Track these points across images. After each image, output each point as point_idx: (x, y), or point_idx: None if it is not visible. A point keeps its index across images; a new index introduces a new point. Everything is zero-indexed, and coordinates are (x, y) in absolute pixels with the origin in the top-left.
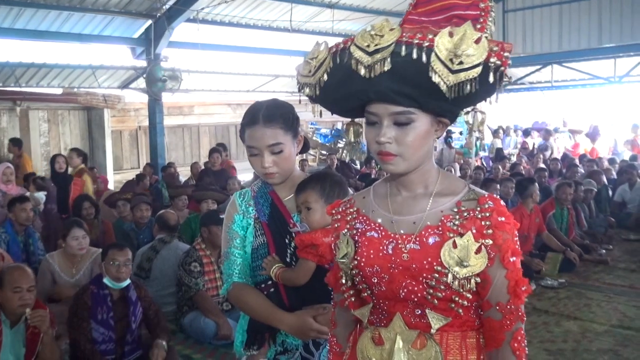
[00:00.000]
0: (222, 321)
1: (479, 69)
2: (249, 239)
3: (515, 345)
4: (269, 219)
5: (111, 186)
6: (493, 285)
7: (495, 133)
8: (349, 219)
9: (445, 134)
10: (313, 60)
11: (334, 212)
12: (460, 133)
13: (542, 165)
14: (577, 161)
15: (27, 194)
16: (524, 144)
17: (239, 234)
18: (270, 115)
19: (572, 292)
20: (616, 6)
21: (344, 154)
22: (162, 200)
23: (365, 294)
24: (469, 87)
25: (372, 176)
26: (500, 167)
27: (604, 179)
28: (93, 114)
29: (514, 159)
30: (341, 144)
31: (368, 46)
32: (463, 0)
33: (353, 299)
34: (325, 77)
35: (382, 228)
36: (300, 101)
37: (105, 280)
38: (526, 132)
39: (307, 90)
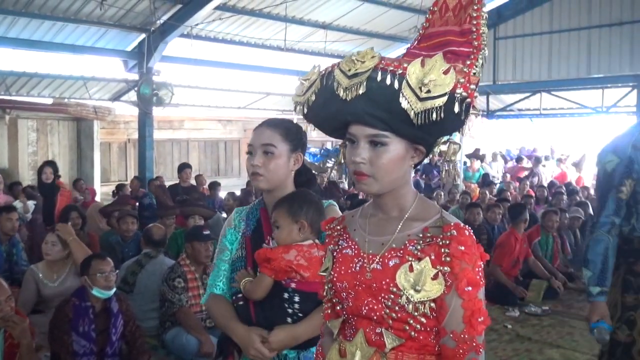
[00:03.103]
0: (204, 338)
1: (444, 99)
2: (233, 252)
3: None
4: (252, 234)
5: (98, 198)
6: (449, 313)
7: (482, 159)
8: (335, 235)
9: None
10: (306, 82)
11: (326, 227)
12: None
13: (531, 192)
14: (563, 189)
15: (18, 201)
16: (520, 170)
17: (227, 248)
18: (276, 121)
19: (555, 320)
20: (605, 38)
21: (332, 174)
22: (153, 212)
23: (338, 308)
24: (434, 115)
25: (360, 197)
26: (487, 192)
27: (590, 208)
28: (82, 125)
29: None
30: (330, 164)
31: (349, 70)
32: (459, 37)
33: (329, 311)
34: (313, 97)
35: (356, 246)
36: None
37: (94, 291)
38: (518, 159)
39: (298, 108)
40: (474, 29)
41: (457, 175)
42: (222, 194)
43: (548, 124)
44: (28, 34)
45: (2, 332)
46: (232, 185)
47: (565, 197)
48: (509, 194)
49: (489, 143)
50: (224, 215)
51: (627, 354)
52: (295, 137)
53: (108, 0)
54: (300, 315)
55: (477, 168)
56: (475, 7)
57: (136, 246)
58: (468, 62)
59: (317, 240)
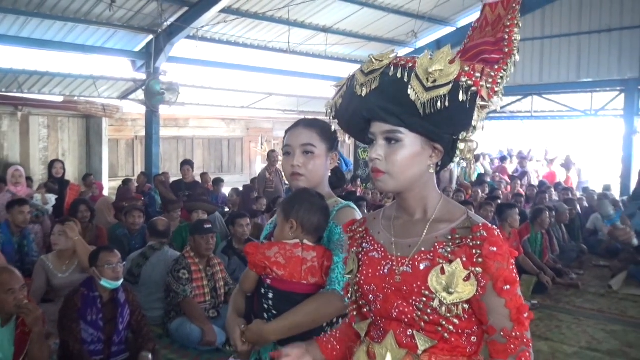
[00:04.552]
0: (207, 328)
1: (449, 87)
2: None
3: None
4: (273, 230)
5: (106, 192)
6: (495, 314)
7: (477, 159)
8: (357, 237)
9: None
10: (338, 87)
11: (348, 230)
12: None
13: (521, 191)
14: (552, 188)
15: (36, 195)
16: (503, 170)
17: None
18: (312, 121)
19: (544, 314)
20: (594, 43)
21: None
22: (156, 207)
23: (365, 310)
24: (439, 103)
25: (358, 194)
26: (480, 190)
27: (578, 207)
28: (92, 122)
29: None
30: None
31: (367, 68)
32: (492, 46)
33: (355, 313)
34: (340, 100)
35: (383, 249)
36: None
37: (103, 282)
38: (503, 158)
39: (328, 112)
40: (506, 37)
41: (472, 172)
42: (226, 190)
43: (539, 126)
44: (40, 34)
45: (14, 319)
46: (235, 181)
47: (547, 195)
48: (500, 192)
49: (482, 144)
50: (226, 209)
51: None
52: (331, 137)
53: (117, 2)
54: (274, 312)
55: (474, 169)
56: (510, 17)
57: (142, 239)
58: (496, 67)
59: (305, 241)
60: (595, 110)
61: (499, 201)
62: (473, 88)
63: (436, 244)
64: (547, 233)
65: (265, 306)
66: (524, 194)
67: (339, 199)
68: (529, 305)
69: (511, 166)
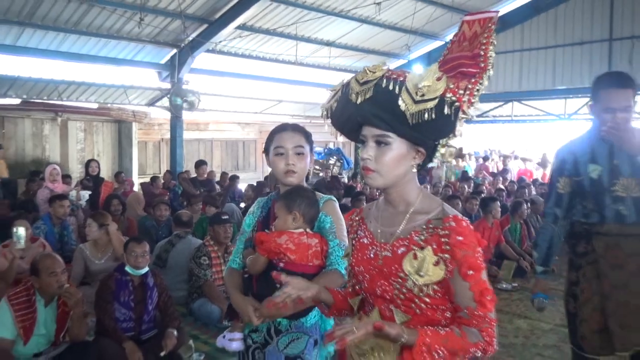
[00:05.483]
0: (226, 307)
1: (435, 101)
2: (248, 234)
3: (483, 333)
4: (262, 220)
5: (136, 188)
6: (460, 295)
7: (462, 158)
8: (354, 225)
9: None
10: (333, 92)
11: (349, 219)
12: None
13: (501, 186)
14: (529, 184)
15: (73, 191)
16: (485, 168)
17: (245, 230)
18: (297, 126)
19: (523, 295)
20: (568, 54)
21: (334, 170)
22: (179, 201)
23: (357, 287)
24: (427, 115)
25: (357, 189)
26: (465, 186)
27: None
28: (123, 126)
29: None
30: (332, 161)
31: (362, 79)
32: (469, 60)
33: (351, 290)
34: (335, 104)
35: (371, 236)
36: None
37: (127, 268)
38: (486, 158)
39: (323, 114)
40: (482, 53)
41: (453, 173)
42: (242, 185)
43: (519, 129)
44: (77, 48)
45: (56, 299)
46: (249, 178)
47: (526, 190)
48: (484, 187)
49: (467, 145)
50: (242, 205)
51: (574, 323)
52: (311, 139)
53: (145, 20)
54: None
55: (463, 166)
56: (486, 35)
57: (168, 229)
58: (473, 80)
59: (307, 229)
60: (568, 115)
61: (483, 195)
62: (456, 103)
63: (412, 232)
64: (525, 223)
65: (278, 286)
66: (505, 189)
67: (318, 192)
68: (492, 290)
69: (492, 164)
